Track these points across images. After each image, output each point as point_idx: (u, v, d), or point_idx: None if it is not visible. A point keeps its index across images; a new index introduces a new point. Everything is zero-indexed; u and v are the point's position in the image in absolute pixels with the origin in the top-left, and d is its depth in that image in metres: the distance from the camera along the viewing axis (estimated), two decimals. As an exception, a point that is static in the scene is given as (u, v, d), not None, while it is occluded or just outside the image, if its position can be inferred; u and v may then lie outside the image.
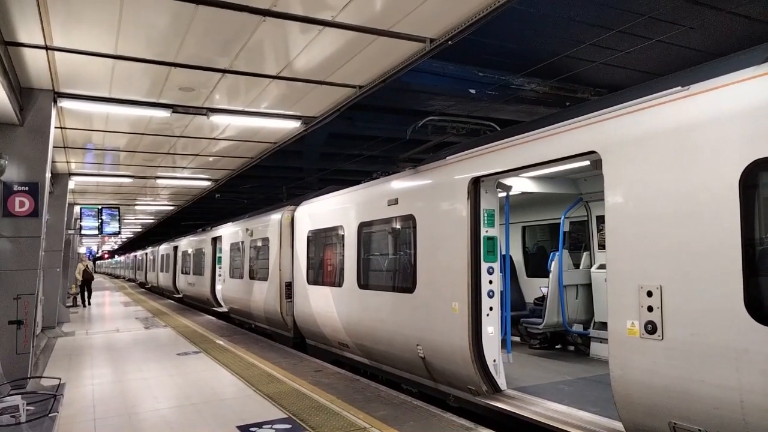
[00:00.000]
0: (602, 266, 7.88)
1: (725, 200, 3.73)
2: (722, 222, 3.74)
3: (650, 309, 4.16)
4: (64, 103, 7.74)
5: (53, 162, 12.15)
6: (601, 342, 7.78)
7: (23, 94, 7.25)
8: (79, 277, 21.63)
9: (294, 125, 9.30)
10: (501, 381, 6.17)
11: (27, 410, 4.48)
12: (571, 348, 8.65)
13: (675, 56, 9.64)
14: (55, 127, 8.94)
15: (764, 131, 3.55)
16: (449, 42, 5.92)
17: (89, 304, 21.54)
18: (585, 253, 8.60)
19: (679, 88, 4.17)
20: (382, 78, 7.13)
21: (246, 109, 8.59)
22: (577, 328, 8.30)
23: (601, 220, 8.13)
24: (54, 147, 9.88)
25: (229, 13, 5.26)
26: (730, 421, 3.68)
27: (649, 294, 4.17)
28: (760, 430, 3.54)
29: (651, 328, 4.14)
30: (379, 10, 5.34)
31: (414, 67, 6.73)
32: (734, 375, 3.63)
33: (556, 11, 8.40)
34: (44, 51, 6.11)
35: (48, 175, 7.57)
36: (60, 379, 5.99)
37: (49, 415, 4.48)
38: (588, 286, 8.34)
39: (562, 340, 8.76)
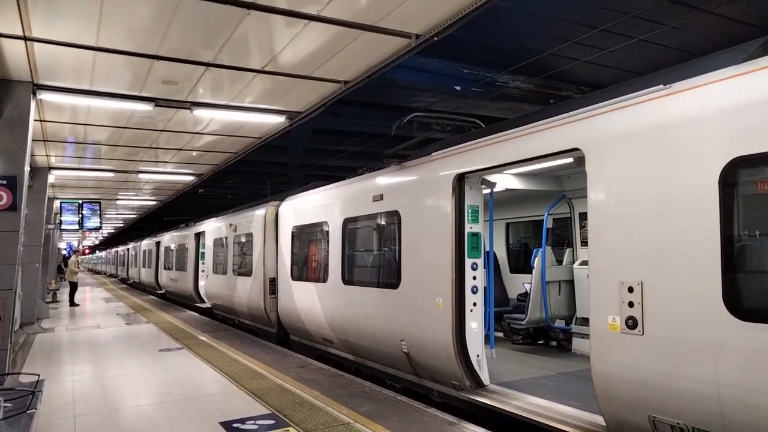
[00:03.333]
0: (584, 263, 7.96)
1: (705, 198, 3.78)
2: (702, 219, 3.79)
3: (631, 304, 4.21)
4: (44, 96, 7.60)
5: (32, 155, 11.94)
6: (582, 337, 7.87)
7: (1, 85, 7.10)
8: (77, 270, 20.16)
9: (278, 120, 9.23)
10: (484, 376, 6.21)
11: (4, 407, 4.40)
12: (554, 343, 8.73)
13: (657, 55, 9.75)
14: (35, 120, 8.76)
15: (743, 129, 3.61)
16: (435, 38, 5.91)
17: (75, 304, 19.51)
18: (568, 250, 8.68)
19: (661, 86, 4.22)
20: (367, 73, 7.11)
21: (230, 104, 8.51)
22: (560, 323, 8.38)
23: (583, 216, 8.21)
24: (33, 140, 9.70)
25: (213, 6, 5.20)
26: (708, 414, 3.74)
27: (630, 290, 4.22)
28: (736, 423, 3.61)
29: (632, 324, 4.19)
30: (365, 5, 5.32)
31: (400, 62, 6.72)
32: (712, 369, 3.69)
33: (540, 9, 8.44)
34: (23, 42, 5.99)
35: (27, 168, 7.43)
36: (38, 375, 5.89)
37: (27, 411, 4.40)
38: (570, 283, 8.43)
39: (545, 335, 8.84)
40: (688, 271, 3.86)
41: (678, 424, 3.94)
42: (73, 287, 20.13)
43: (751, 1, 8.15)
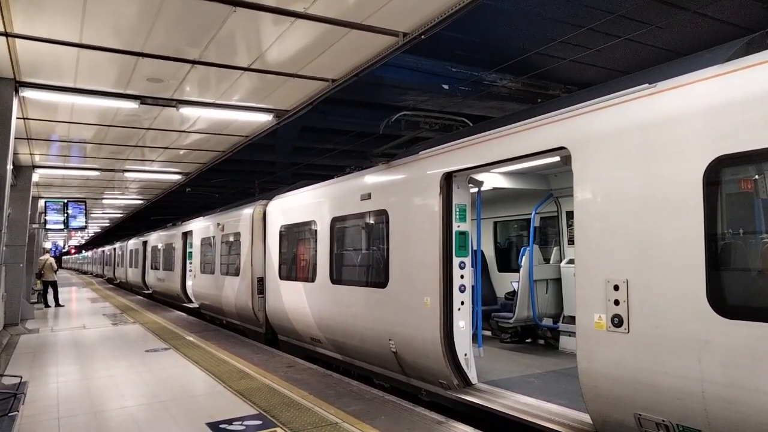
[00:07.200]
0: (571, 261, 8.00)
1: (689, 196, 3.81)
2: (686, 217, 3.82)
3: (617, 302, 4.23)
4: (27, 93, 7.50)
5: (16, 154, 11.78)
6: (570, 336, 7.91)
7: (-18, 82, 7.01)
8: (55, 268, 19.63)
9: (266, 118, 9.19)
10: (472, 375, 6.21)
11: (-15, 410, 4.33)
12: (541, 342, 8.77)
13: (643, 55, 9.83)
14: (18, 118, 8.66)
15: (727, 128, 3.64)
16: (422, 36, 5.91)
17: (60, 304, 19.06)
18: (555, 248, 8.72)
19: (647, 85, 4.25)
20: (355, 72, 7.09)
21: (217, 102, 8.45)
22: (547, 322, 8.42)
23: (570, 215, 8.25)
24: (16, 138, 9.59)
25: (199, 2, 5.16)
26: (692, 411, 3.77)
27: (616, 288, 4.24)
28: (719, 420, 3.64)
29: (617, 322, 4.21)
30: (353, 3, 5.30)
31: (387, 61, 6.72)
32: (696, 366, 3.72)
33: (528, 8, 8.48)
34: (4, 38, 5.90)
35: (9, 167, 7.34)
36: (21, 377, 5.82)
37: (9, 414, 4.34)
38: (558, 281, 8.47)
39: (533, 334, 8.88)
40: (672, 269, 3.89)
41: (663, 421, 3.97)
42: (54, 287, 19.65)
43: (735, 2, 8.24)
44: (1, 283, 11.92)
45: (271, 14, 5.48)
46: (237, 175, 20.06)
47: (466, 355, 6.21)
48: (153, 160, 13.42)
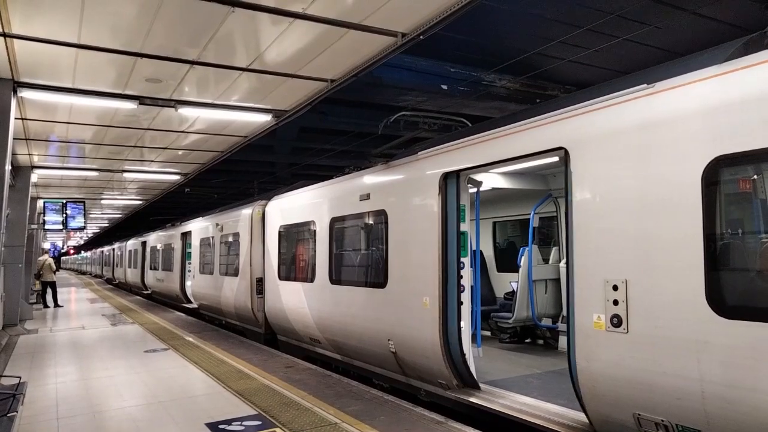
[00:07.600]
0: (571, 261, 7.99)
1: (688, 196, 3.81)
2: (685, 217, 3.82)
3: (616, 303, 4.23)
4: (25, 93, 7.49)
5: (14, 154, 11.77)
6: (569, 335, 7.91)
7: (-20, 83, 7.00)
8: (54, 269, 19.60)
9: (265, 119, 9.19)
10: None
11: (-16, 410, 4.33)
12: (540, 342, 8.77)
13: (641, 55, 9.84)
14: (16, 118, 8.65)
15: (725, 128, 3.64)
16: (421, 37, 5.91)
17: (59, 305, 19.09)
18: (554, 249, 8.72)
19: (644, 85, 4.25)
20: (353, 72, 7.09)
21: (215, 102, 8.45)
22: (546, 322, 8.42)
23: (569, 215, 8.25)
24: (15, 139, 9.58)
25: (197, 3, 5.16)
26: (692, 411, 3.77)
27: (615, 288, 4.24)
28: (719, 419, 3.64)
29: (616, 322, 4.22)
30: (351, 3, 5.30)
31: (386, 61, 6.71)
32: (696, 366, 3.72)
33: (526, 8, 8.48)
34: (2, 38, 5.90)
35: (8, 167, 7.32)
36: (20, 377, 5.81)
37: (8, 414, 4.34)
38: (557, 281, 8.47)
39: (532, 334, 8.88)
40: (671, 269, 3.89)
41: (662, 421, 3.97)
42: (53, 288, 19.64)
43: (733, 2, 8.25)
44: (0, 284, 11.92)
45: (270, 14, 5.47)
46: (236, 175, 20.04)
47: (465, 355, 6.21)
48: (152, 161, 13.41)
